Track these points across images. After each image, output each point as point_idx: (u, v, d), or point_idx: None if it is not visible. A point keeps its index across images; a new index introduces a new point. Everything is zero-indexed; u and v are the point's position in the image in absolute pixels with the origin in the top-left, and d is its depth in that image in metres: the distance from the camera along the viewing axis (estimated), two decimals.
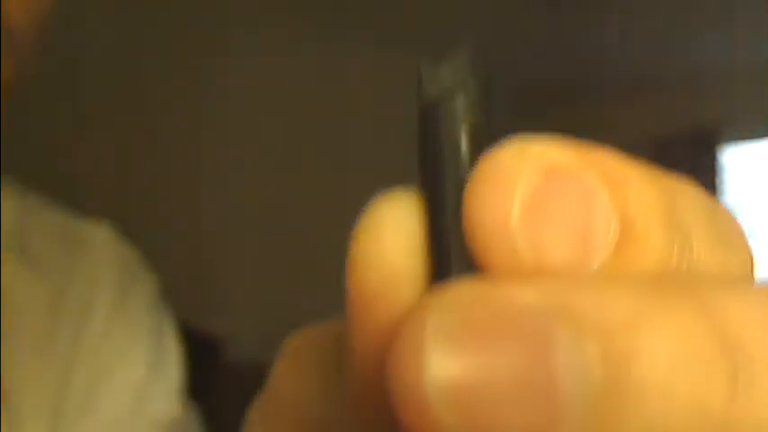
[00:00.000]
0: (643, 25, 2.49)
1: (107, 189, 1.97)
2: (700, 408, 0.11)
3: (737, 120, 2.93)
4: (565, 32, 2.50)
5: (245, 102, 2.34)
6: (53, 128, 1.96)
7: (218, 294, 2.23)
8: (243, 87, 2.33)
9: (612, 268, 0.12)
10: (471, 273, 0.13)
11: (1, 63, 0.40)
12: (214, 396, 1.22)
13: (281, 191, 2.36)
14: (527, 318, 0.11)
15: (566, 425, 0.11)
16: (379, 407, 0.13)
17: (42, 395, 0.47)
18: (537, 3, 2.28)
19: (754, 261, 0.14)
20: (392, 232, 0.13)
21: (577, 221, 0.12)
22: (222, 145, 2.31)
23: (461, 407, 0.11)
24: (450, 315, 0.11)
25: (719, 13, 2.39)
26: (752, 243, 0.14)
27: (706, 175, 3.05)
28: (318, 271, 1.83)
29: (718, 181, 3.07)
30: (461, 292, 0.11)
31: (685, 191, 0.14)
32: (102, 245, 0.54)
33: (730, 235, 0.14)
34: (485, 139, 0.14)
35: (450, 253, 0.13)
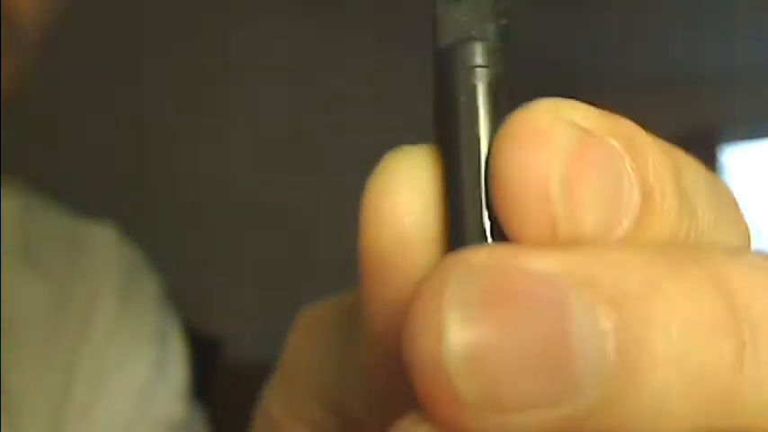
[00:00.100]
0: (643, 25, 2.49)
1: (107, 189, 1.96)
2: (708, 376, 0.11)
3: (737, 120, 2.93)
4: (564, 32, 2.50)
5: (245, 101, 2.34)
6: (53, 128, 1.96)
7: (218, 294, 2.22)
8: (243, 87, 2.33)
9: (631, 237, 0.12)
10: (492, 234, 0.12)
11: (8, 62, 0.40)
12: (214, 396, 1.22)
13: (281, 191, 2.36)
14: (544, 286, 0.11)
15: (581, 393, 0.11)
16: (393, 375, 0.13)
17: (45, 396, 0.47)
18: (537, 3, 2.28)
19: (751, 234, 0.15)
20: (407, 188, 0.13)
21: (608, 189, 0.12)
22: (222, 145, 2.31)
23: (478, 375, 0.11)
24: (468, 283, 0.11)
25: (719, 14, 2.39)
26: (749, 219, 0.15)
27: None
28: (319, 271, 1.83)
29: None
30: (480, 258, 0.11)
31: (690, 163, 0.14)
32: (105, 245, 0.54)
33: (730, 208, 0.14)
34: (505, 90, 0.13)
35: (469, 212, 0.12)
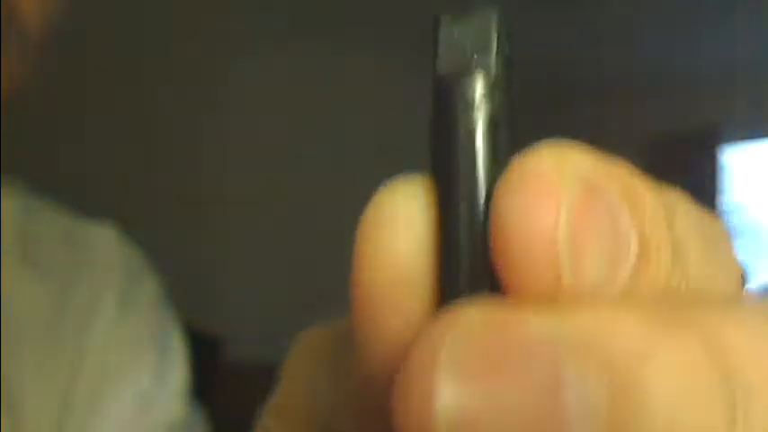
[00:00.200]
0: (643, 25, 2.49)
1: (107, 189, 1.96)
2: None
3: (737, 120, 2.93)
4: (565, 32, 2.50)
5: (245, 102, 2.34)
6: (53, 128, 1.96)
7: (219, 294, 2.22)
8: (243, 87, 2.33)
9: (627, 290, 0.12)
10: (488, 284, 0.12)
11: (10, 62, 0.40)
12: (214, 396, 1.22)
13: (281, 191, 2.36)
14: (539, 351, 0.11)
15: None
16: (381, 418, 0.13)
17: (47, 397, 0.47)
18: (537, 3, 2.28)
19: (742, 271, 0.15)
20: (401, 227, 0.13)
21: (609, 243, 0.12)
22: (223, 145, 2.31)
23: None
24: (461, 346, 0.11)
25: (719, 14, 2.39)
26: (740, 252, 0.14)
27: (706, 175, 3.05)
28: (319, 271, 1.83)
29: (718, 181, 3.07)
30: (474, 318, 0.11)
31: (680, 204, 0.13)
32: (105, 245, 0.54)
33: (721, 249, 0.14)
34: (507, 122, 0.12)
35: (464, 258, 0.12)
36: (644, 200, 0.12)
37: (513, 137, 0.12)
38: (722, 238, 0.14)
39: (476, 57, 0.12)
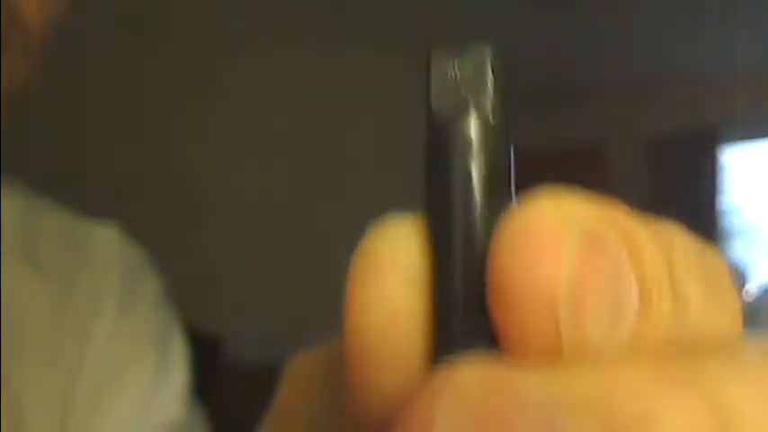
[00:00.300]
0: (643, 25, 2.49)
1: (107, 189, 1.96)
2: None
3: (737, 120, 2.94)
4: (565, 32, 2.50)
5: (245, 102, 2.34)
6: (53, 128, 1.96)
7: (219, 294, 2.22)
8: (244, 87, 2.33)
9: (628, 342, 0.12)
10: (484, 337, 0.11)
11: (11, 62, 0.40)
12: (214, 396, 1.22)
13: (281, 191, 2.36)
14: (538, 414, 0.10)
15: None
16: None
17: (48, 398, 0.47)
18: (537, 3, 2.28)
19: (741, 307, 0.14)
20: (395, 273, 0.12)
21: (610, 296, 0.11)
22: (223, 145, 2.31)
23: None
24: (458, 405, 0.11)
25: (719, 14, 2.39)
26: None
27: (706, 175, 3.05)
28: (318, 271, 1.83)
29: (718, 181, 3.07)
30: (471, 379, 0.11)
31: (678, 241, 0.13)
32: (107, 245, 0.54)
33: (720, 287, 0.14)
34: (506, 168, 0.12)
35: (459, 310, 0.12)
36: (642, 244, 0.12)
37: (509, 177, 0.12)
38: (721, 273, 0.14)
39: (471, 98, 0.11)
